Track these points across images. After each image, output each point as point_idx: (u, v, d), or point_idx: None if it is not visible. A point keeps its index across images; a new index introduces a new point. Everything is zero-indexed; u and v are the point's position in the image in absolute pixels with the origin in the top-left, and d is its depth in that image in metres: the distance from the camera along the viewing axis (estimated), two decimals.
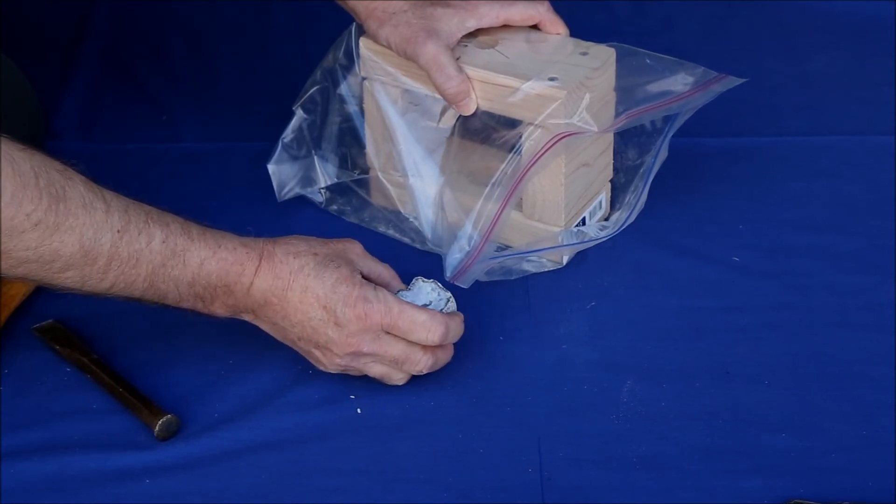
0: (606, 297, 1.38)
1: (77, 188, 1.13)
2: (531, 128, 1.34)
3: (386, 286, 1.27)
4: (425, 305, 1.27)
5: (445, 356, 1.26)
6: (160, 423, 1.22)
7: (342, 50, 1.45)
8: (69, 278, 1.14)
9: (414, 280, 1.28)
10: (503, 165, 1.36)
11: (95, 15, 1.83)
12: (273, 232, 1.27)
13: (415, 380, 1.27)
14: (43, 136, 1.59)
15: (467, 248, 1.37)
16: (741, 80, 1.40)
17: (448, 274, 1.37)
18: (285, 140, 1.47)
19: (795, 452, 1.21)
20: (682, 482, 1.19)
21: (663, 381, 1.28)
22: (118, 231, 1.14)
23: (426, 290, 1.28)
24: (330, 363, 1.23)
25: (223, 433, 1.23)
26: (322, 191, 1.49)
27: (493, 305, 1.37)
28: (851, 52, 1.77)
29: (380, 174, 1.47)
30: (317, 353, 1.23)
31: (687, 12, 1.84)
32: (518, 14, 1.40)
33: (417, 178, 1.43)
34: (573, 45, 1.39)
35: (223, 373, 1.30)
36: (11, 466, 1.20)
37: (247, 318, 1.24)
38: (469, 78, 1.36)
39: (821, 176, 1.55)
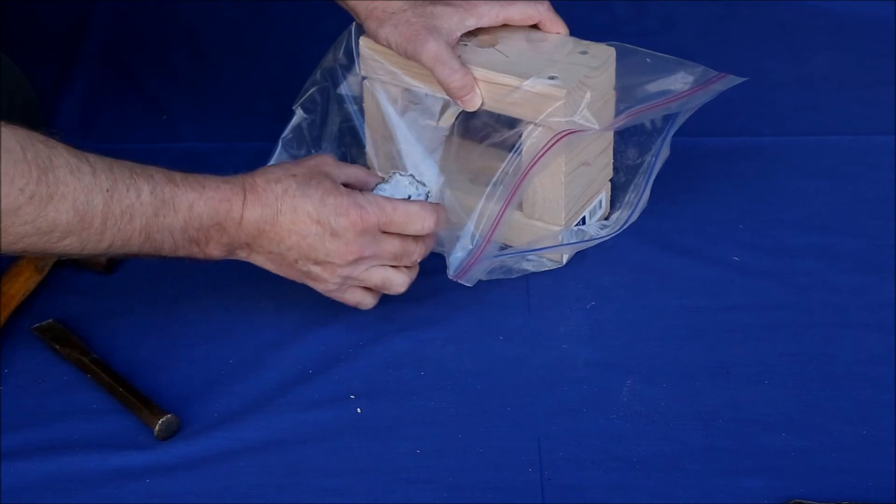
0: (606, 297, 1.38)
1: (62, 156, 1.14)
2: (531, 126, 1.34)
3: (364, 184, 1.30)
4: (407, 199, 1.29)
5: (432, 243, 1.30)
6: (160, 423, 1.22)
7: (342, 50, 1.45)
8: (69, 245, 1.16)
9: (392, 173, 1.31)
10: (504, 165, 1.36)
11: (95, 15, 1.83)
12: None
13: (415, 379, 1.27)
14: None
15: (470, 247, 1.37)
16: (741, 80, 1.40)
17: (451, 272, 1.36)
18: (285, 140, 1.47)
19: (795, 452, 1.21)
20: (682, 482, 1.18)
21: (663, 381, 1.28)
22: (107, 190, 1.16)
23: (404, 183, 1.30)
24: (331, 276, 1.25)
25: (223, 433, 1.23)
26: None
27: (493, 305, 1.37)
28: (851, 52, 1.77)
29: (380, 174, 1.47)
30: (317, 269, 1.25)
31: (687, 12, 1.84)
32: (518, 13, 1.39)
33: None
34: (573, 44, 1.39)
35: (223, 373, 1.30)
36: (11, 466, 1.20)
37: (242, 255, 1.26)
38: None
39: (821, 176, 1.55)
